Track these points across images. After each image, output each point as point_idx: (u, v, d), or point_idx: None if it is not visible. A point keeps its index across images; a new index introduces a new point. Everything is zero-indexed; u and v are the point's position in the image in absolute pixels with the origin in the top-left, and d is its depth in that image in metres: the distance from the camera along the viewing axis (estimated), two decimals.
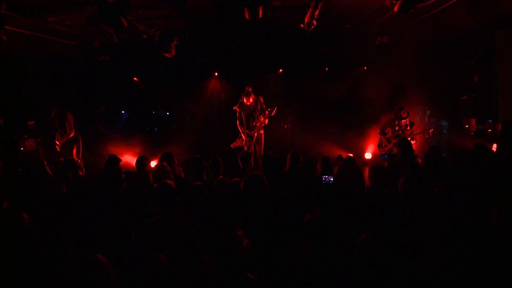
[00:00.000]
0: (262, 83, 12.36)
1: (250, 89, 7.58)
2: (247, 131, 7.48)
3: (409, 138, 7.62)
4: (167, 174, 4.54)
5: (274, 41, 10.04)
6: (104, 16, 4.68)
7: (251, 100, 7.48)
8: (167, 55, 7.08)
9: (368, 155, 10.11)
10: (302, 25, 5.69)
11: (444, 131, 10.63)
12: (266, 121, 7.63)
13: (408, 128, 7.72)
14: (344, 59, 11.10)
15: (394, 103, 10.21)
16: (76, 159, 8.08)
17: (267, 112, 7.50)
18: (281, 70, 12.39)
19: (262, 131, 7.71)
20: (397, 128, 7.80)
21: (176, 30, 7.41)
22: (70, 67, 10.67)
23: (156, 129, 12.03)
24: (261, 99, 7.72)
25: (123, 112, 11.73)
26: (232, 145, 7.60)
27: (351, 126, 10.95)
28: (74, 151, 8.15)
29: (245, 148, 7.49)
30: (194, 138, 11.01)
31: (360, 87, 11.38)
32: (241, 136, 7.54)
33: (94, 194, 4.46)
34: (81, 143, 8.35)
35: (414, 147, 7.96)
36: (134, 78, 12.10)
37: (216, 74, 12.45)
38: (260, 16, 5.07)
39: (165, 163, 4.82)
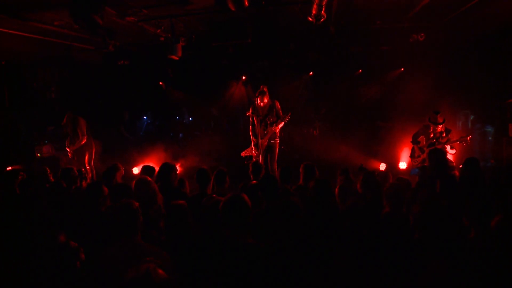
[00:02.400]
0: (290, 87, 11.79)
1: (265, 89, 6.91)
2: (255, 139, 6.79)
3: (448, 146, 6.71)
4: (146, 188, 4.03)
5: (299, 42, 9.40)
6: (75, 15, 4.27)
7: (265, 100, 6.77)
8: (173, 57, 6.66)
9: (402, 165, 9.17)
10: (310, 19, 5.03)
11: (490, 138, 9.46)
12: (277, 128, 6.87)
13: (444, 135, 6.77)
14: (376, 60, 10.21)
15: (432, 107, 9.27)
16: (88, 166, 7.85)
17: (283, 115, 6.78)
18: (311, 73, 11.70)
19: (277, 140, 6.98)
20: (431, 135, 6.88)
21: (188, 31, 7.00)
22: (93, 72, 10.63)
23: (181, 135, 11.71)
24: (278, 105, 6.99)
25: (144, 117, 11.52)
26: (243, 154, 6.99)
27: (384, 133, 10.02)
28: (86, 158, 7.91)
29: (254, 158, 6.84)
30: (216, 145, 10.56)
31: (395, 90, 10.45)
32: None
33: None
34: (94, 150, 8.10)
35: (453, 157, 7.07)
36: (160, 83, 11.91)
37: (243, 78, 11.98)
38: (246, 5, 4.44)
39: (147, 177, 4.31)
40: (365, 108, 10.73)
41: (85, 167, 7.73)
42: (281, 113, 6.93)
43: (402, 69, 10.74)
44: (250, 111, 6.76)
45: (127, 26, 6.99)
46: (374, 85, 10.80)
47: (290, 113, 6.92)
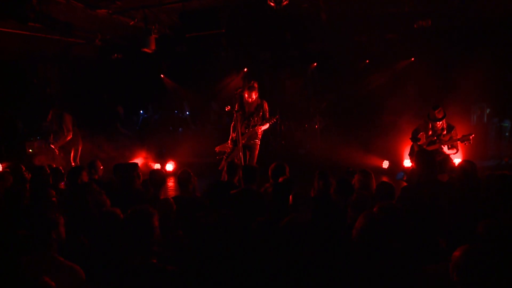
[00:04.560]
0: (293, 80, 11.28)
1: (256, 85, 6.46)
2: (234, 135, 6.34)
3: (445, 147, 6.08)
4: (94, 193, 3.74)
5: (296, 32, 8.87)
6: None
7: (254, 97, 6.31)
8: (147, 50, 6.32)
9: (408, 163, 8.54)
10: (270, 2, 4.53)
11: (506, 134, 8.67)
12: (260, 129, 6.38)
13: (445, 132, 6.12)
14: (382, 50, 9.51)
15: (444, 100, 8.57)
16: (73, 163, 7.69)
17: (268, 117, 6.29)
18: (315, 64, 11.13)
19: (257, 142, 6.50)
20: (430, 132, 6.25)
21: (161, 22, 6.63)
22: (91, 68, 10.51)
23: (180, 129, 11.46)
24: (266, 106, 6.45)
25: (141, 112, 11.31)
26: (217, 148, 6.56)
27: (389, 127, 9.36)
28: (72, 154, 7.75)
29: (226, 154, 6.40)
30: (213, 140, 10.24)
31: (403, 82, 9.74)
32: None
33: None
34: (80, 147, 7.94)
35: (461, 155, 6.43)
36: (161, 75, 11.67)
37: (245, 70, 11.56)
38: None
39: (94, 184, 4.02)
40: (370, 101, 10.06)
41: (70, 163, 7.60)
42: (267, 115, 6.46)
43: (413, 58, 9.99)
44: (236, 107, 6.30)
45: (108, 20, 6.73)
46: (380, 76, 10.10)
47: (277, 116, 6.45)
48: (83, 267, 2.69)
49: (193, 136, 10.56)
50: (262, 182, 4.98)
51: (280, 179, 4.47)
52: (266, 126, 6.41)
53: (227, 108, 6.29)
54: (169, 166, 9.59)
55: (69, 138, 7.64)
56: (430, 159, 4.62)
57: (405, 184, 5.47)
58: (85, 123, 9.75)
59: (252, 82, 6.55)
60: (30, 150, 8.60)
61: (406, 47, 9.32)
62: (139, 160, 9.86)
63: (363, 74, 10.30)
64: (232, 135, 6.44)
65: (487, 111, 9.28)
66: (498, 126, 8.92)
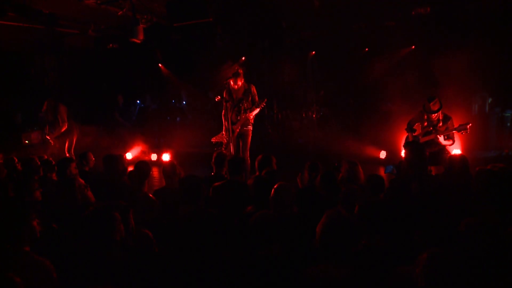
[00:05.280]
0: (291, 69, 11.12)
1: (241, 71, 6.38)
2: (226, 124, 6.30)
3: (441, 137, 5.94)
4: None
5: (292, 20, 8.72)
6: None
7: (239, 83, 6.24)
8: (135, 40, 6.24)
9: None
10: None
11: (508, 124, 8.48)
12: (251, 115, 6.35)
13: (441, 124, 5.98)
14: (381, 38, 9.32)
15: (445, 88, 8.39)
16: (67, 154, 7.70)
17: (258, 101, 6.23)
18: (313, 52, 10.96)
19: (250, 128, 6.46)
20: (425, 123, 6.12)
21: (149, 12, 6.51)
22: (88, 58, 10.46)
23: (178, 118, 11.42)
24: (254, 89, 6.40)
25: (138, 101, 11.27)
26: (213, 139, 6.51)
27: (388, 117, 9.21)
28: (67, 145, 7.76)
29: (224, 145, 6.36)
30: (210, 130, 10.20)
31: (402, 70, 9.54)
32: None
33: None
34: (75, 138, 7.93)
35: (452, 150, 6.28)
36: (159, 65, 11.58)
37: (243, 58, 11.44)
38: None
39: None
40: (369, 91, 9.89)
41: (65, 154, 7.61)
42: (256, 99, 6.39)
43: (413, 46, 9.77)
44: (224, 95, 6.25)
45: (98, 10, 6.64)
46: (379, 64, 9.90)
47: (266, 99, 6.37)
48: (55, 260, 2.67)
49: (191, 126, 10.53)
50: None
51: (263, 172, 4.41)
52: (257, 110, 6.36)
53: (217, 99, 6.23)
54: (166, 156, 9.58)
55: (64, 128, 7.64)
56: (419, 151, 4.50)
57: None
58: (83, 113, 9.78)
59: (236, 69, 6.49)
60: (27, 142, 8.62)
61: (406, 35, 9.09)
62: (136, 150, 9.87)
63: (362, 62, 10.11)
64: (225, 123, 6.41)
65: (489, 101, 9.06)
66: (500, 116, 8.72)
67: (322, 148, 8.77)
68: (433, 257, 1.98)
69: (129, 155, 9.90)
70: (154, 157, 9.71)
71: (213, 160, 5.07)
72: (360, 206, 2.83)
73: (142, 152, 9.66)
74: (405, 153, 4.61)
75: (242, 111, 6.26)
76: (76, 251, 2.93)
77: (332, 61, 10.37)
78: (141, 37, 6.19)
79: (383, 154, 8.56)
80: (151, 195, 4.20)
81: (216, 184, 4.22)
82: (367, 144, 8.79)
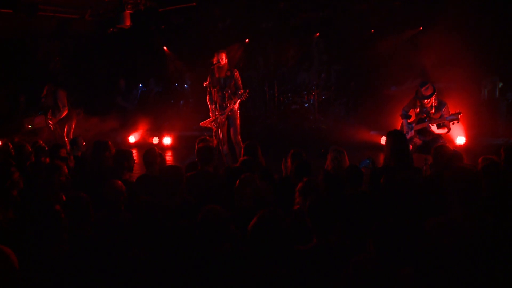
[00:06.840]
0: (296, 50, 10.88)
1: (223, 55, 6.36)
2: (213, 107, 6.27)
3: (434, 125, 5.68)
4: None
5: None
6: None
7: (224, 59, 6.22)
8: (122, 26, 6.18)
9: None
10: None
11: None
12: (236, 105, 6.28)
13: (433, 111, 5.71)
14: (387, 18, 8.94)
15: (453, 70, 8.03)
16: (66, 139, 7.84)
17: (240, 92, 6.15)
18: (317, 34, 10.67)
19: (237, 110, 6.40)
20: (418, 110, 5.87)
21: None
22: (92, 43, 10.51)
23: (181, 102, 11.43)
24: (237, 75, 6.30)
25: (140, 85, 11.30)
26: (202, 124, 6.48)
27: (390, 102, 8.93)
28: (65, 130, 7.90)
29: (214, 130, 6.32)
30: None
31: (409, 52, 9.16)
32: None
33: None
34: (74, 123, 8.07)
35: (446, 138, 6.00)
36: (164, 48, 11.54)
37: (247, 41, 11.26)
38: None
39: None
40: (373, 74, 9.56)
41: (63, 139, 7.76)
42: (240, 83, 6.31)
43: (421, 27, 9.35)
44: (208, 79, 6.19)
45: None
46: (385, 46, 9.53)
47: (248, 90, 6.27)
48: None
49: (193, 109, 10.52)
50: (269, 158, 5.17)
51: (238, 162, 4.36)
52: (238, 101, 6.30)
53: (205, 84, 6.18)
54: (167, 140, 9.64)
55: (65, 113, 7.78)
56: (400, 141, 4.34)
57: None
58: (86, 98, 9.89)
59: (218, 55, 6.40)
60: (29, 126, 8.81)
61: (412, 15, 8.71)
62: (137, 134, 9.97)
63: (367, 44, 9.76)
64: (211, 107, 6.38)
65: (500, 85, 8.63)
66: (510, 102, 8.31)
67: (322, 133, 8.63)
68: (357, 266, 1.90)
69: (131, 138, 10.04)
70: (155, 140, 9.79)
71: (195, 151, 5.03)
72: (311, 202, 2.75)
73: (143, 135, 9.75)
74: (385, 142, 4.46)
75: (227, 98, 6.20)
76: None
77: (338, 43, 10.08)
78: (128, 23, 6.14)
79: (384, 140, 8.34)
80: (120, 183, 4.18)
81: (189, 174, 4.20)
82: (368, 128, 8.58)
